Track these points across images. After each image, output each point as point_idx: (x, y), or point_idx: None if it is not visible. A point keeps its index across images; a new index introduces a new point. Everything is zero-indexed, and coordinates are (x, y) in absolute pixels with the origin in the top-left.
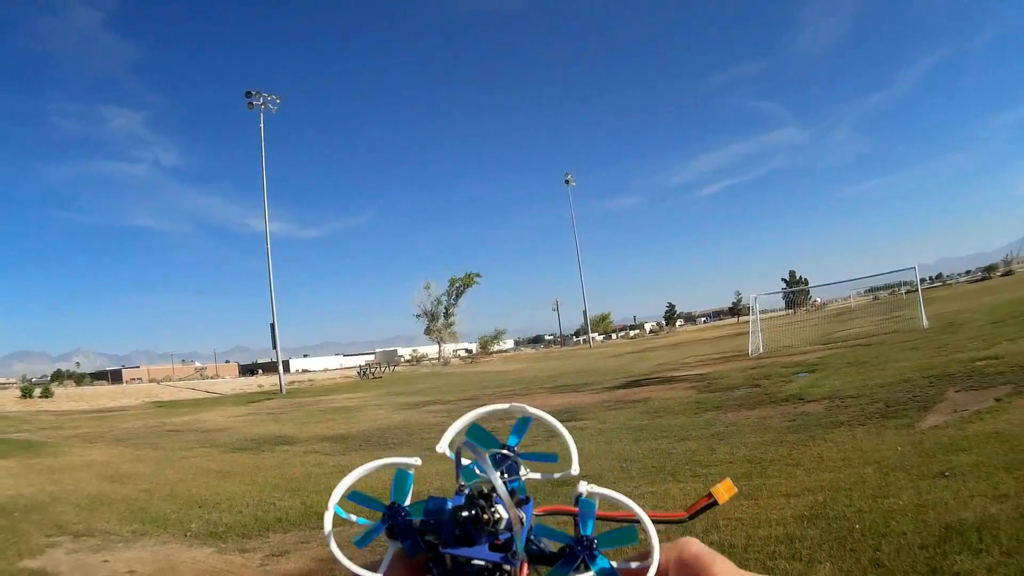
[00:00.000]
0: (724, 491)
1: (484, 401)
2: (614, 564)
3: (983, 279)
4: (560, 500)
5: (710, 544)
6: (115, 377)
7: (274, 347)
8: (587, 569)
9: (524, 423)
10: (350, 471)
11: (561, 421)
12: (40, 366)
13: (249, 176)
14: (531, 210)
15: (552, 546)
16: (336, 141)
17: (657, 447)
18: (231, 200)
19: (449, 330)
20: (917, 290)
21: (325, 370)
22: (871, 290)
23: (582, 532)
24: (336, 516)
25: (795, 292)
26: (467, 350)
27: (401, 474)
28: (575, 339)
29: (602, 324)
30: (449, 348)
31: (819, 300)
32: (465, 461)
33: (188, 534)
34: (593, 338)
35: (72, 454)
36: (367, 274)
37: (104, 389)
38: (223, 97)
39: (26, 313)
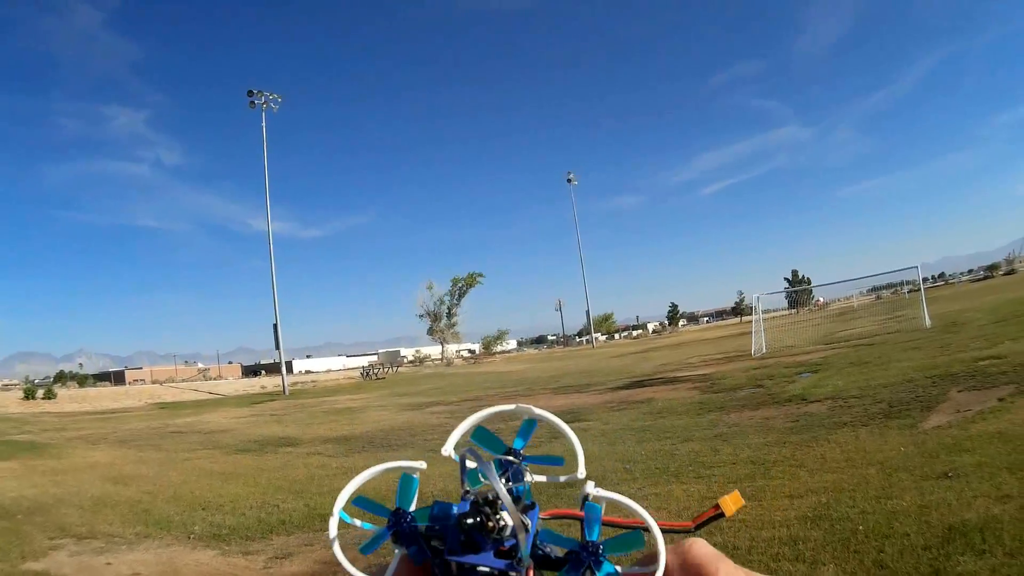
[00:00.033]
0: (732, 503)
1: (487, 401)
2: (619, 569)
3: (985, 278)
4: (565, 501)
5: (713, 546)
6: (118, 378)
7: (277, 348)
8: (593, 574)
9: (530, 425)
10: (354, 473)
11: (565, 422)
12: (43, 367)
13: (251, 175)
14: (533, 210)
15: (558, 551)
16: (338, 140)
17: (660, 448)
18: (233, 200)
19: (452, 330)
20: (920, 289)
21: (328, 371)
22: (874, 289)
23: (588, 537)
24: (341, 521)
25: (798, 292)
26: (470, 350)
27: (406, 479)
28: (578, 339)
29: (605, 324)
30: (452, 349)
31: (822, 300)
32: (471, 465)
33: (191, 536)
34: (596, 338)
35: (75, 456)
36: (369, 274)
37: (107, 390)
38: (225, 96)
39: (28, 314)
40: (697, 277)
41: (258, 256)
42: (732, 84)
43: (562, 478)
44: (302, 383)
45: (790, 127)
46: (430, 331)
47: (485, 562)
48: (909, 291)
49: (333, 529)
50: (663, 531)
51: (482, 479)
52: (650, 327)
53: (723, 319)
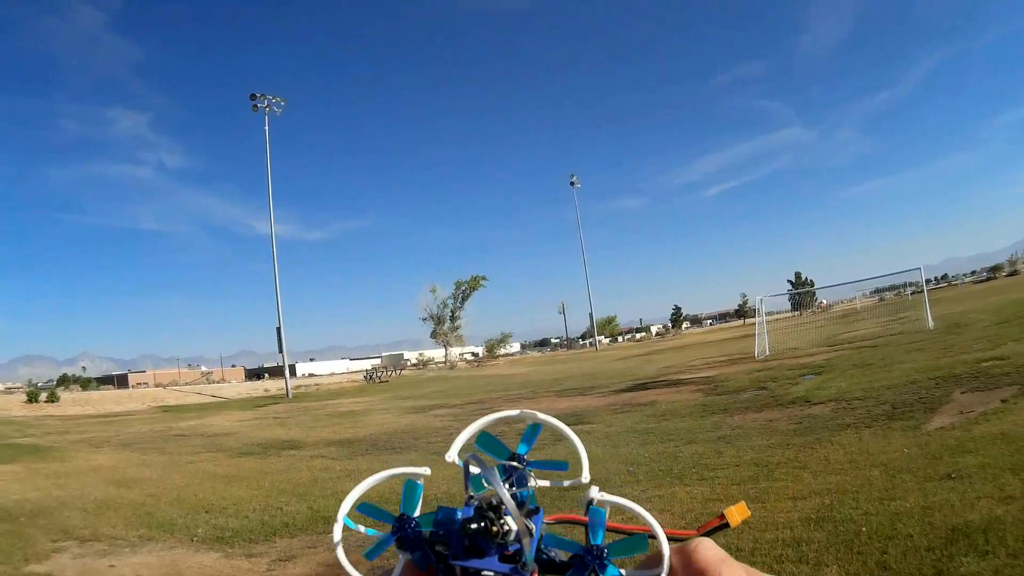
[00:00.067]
0: (737, 514)
1: (490, 404)
2: (623, 572)
3: (988, 279)
4: (569, 505)
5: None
6: (121, 382)
7: (280, 351)
8: None
9: (534, 430)
10: (358, 476)
11: (568, 425)
12: (46, 370)
13: (254, 178)
14: (535, 212)
15: (562, 555)
16: (341, 142)
17: (664, 450)
18: (236, 202)
19: (455, 333)
20: (923, 291)
21: (331, 374)
22: (877, 291)
23: (592, 541)
24: (345, 527)
25: (801, 294)
26: (473, 353)
27: (410, 484)
28: (581, 342)
29: (608, 327)
30: (455, 351)
31: (825, 302)
32: (474, 470)
33: (195, 539)
34: (599, 341)
35: (78, 459)
36: (372, 277)
37: (110, 394)
38: (228, 99)
39: (31, 317)
40: (700, 279)
41: (261, 259)
42: (734, 85)
43: (566, 482)
44: (305, 386)
45: (792, 128)
46: (433, 334)
47: (489, 567)
48: (912, 293)
49: (337, 534)
50: (668, 538)
51: (486, 484)
52: (653, 329)
53: (726, 321)
